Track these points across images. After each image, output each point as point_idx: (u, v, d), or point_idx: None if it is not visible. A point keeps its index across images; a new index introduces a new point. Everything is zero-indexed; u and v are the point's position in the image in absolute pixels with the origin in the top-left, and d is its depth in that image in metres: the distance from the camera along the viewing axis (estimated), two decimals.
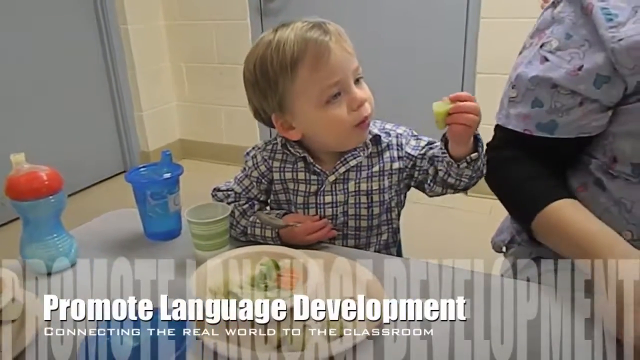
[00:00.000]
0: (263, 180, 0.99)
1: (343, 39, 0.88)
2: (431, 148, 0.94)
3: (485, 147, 0.86)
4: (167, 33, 3.43)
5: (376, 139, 0.95)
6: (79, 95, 3.12)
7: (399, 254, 1.17)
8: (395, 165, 0.95)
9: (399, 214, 1.01)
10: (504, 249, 1.07)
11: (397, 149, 0.95)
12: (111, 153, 3.39)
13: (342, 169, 0.94)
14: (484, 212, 2.54)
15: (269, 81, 0.88)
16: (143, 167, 1.03)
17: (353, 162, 0.94)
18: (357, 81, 0.89)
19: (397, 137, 0.96)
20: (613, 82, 0.78)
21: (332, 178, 0.94)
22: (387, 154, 0.95)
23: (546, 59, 0.82)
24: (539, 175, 0.87)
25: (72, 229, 1.00)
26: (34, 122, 2.88)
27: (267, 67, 0.87)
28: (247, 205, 0.99)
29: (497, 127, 0.94)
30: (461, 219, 2.54)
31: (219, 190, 1.02)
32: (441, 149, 0.86)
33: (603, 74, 0.77)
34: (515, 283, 0.81)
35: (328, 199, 0.95)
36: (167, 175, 0.98)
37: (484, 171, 0.88)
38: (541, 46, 0.84)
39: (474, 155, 0.84)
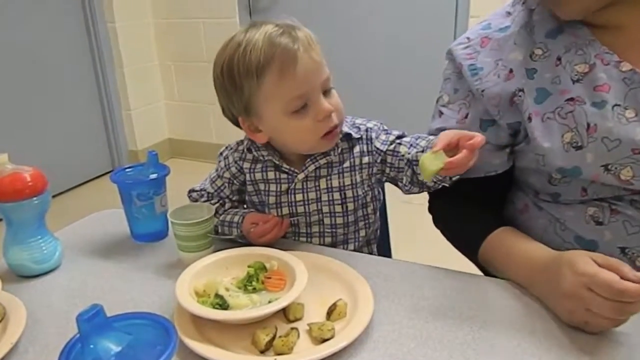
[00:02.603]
0: (235, 182, 0.99)
1: (312, 48, 0.86)
2: (400, 143, 0.92)
3: None
4: (156, 31, 3.40)
5: (347, 137, 0.94)
6: (66, 93, 3.09)
7: (386, 254, 1.17)
8: (365, 159, 0.94)
9: (375, 209, 1.00)
10: None
11: (367, 143, 0.94)
12: (99, 152, 3.36)
13: (312, 167, 0.93)
14: None
15: (235, 85, 0.87)
16: (129, 167, 1.02)
17: (323, 161, 0.93)
18: (327, 92, 0.88)
19: (366, 131, 0.95)
20: (498, 125, 0.87)
21: (301, 176, 0.94)
22: (357, 149, 0.94)
23: (441, 113, 0.94)
24: (471, 218, 0.93)
25: (57, 231, 0.99)
26: (18, 121, 2.85)
27: (234, 72, 0.86)
28: (218, 204, 0.99)
29: None
30: None
31: (193, 190, 1.03)
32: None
33: (486, 118, 0.88)
34: (497, 282, 0.81)
35: (299, 197, 0.95)
36: (154, 175, 0.97)
37: None
38: (437, 101, 0.95)
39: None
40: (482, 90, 0.86)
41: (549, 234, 0.87)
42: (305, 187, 0.94)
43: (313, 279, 0.77)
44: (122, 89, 3.30)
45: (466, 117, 0.89)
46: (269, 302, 0.73)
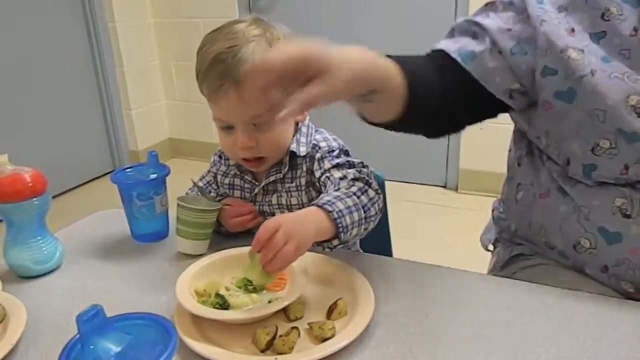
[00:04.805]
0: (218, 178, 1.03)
1: (245, 84, 0.82)
2: (328, 177, 0.87)
3: (351, 227, 0.78)
4: (156, 31, 3.40)
5: (293, 155, 0.93)
6: (67, 93, 3.10)
7: (387, 253, 1.17)
8: (303, 180, 0.93)
9: None
10: (490, 247, 1.07)
11: (311, 162, 0.92)
12: (99, 152, 3.36)
13: (263, 183, 0.96)
14: (474, 208, 2.55)
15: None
16: (129, 167, 1.02)
17: (272, 178, 0.95)
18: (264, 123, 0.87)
19: (313, 148, 0.92)
20: (528, 57, 0.80)
21: (256, 190, 0.97)
22: (303, 167, 0.93)
23: (487, 15, 0.85)
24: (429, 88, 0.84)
25: (58, 231, 0.99)
26: (18, 121, 2.85)
27: (197, 59, 0.90)
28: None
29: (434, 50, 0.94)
30: (452, 216, 2.54)
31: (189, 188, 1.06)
32: None
33: (524, 44, 0.80)
34: (499, 281, 0.81)
35: (256, 208, 0.98)
36: (154, 175, 0.97)
37: (371, 225, 0.83)
38: (486, 5, 0.87)
39: (335, 242, 0.77)
40: (542, 20, 0.78)
41: (571, 221, 0.84)
42: (262, 200, 0.97)
43: (313, 278, 0.77)
44: (122, 89, 3.31)
45: (509, 30, 0.81)
46: (269, 301, 0.73)
